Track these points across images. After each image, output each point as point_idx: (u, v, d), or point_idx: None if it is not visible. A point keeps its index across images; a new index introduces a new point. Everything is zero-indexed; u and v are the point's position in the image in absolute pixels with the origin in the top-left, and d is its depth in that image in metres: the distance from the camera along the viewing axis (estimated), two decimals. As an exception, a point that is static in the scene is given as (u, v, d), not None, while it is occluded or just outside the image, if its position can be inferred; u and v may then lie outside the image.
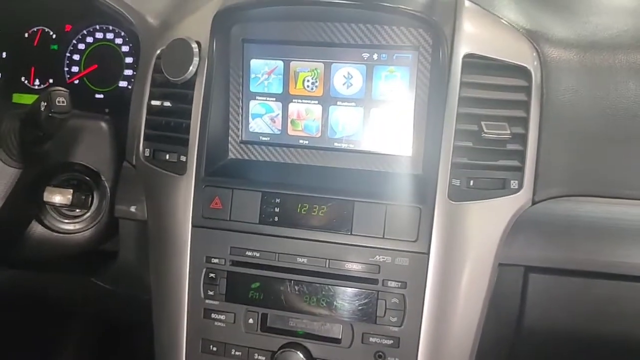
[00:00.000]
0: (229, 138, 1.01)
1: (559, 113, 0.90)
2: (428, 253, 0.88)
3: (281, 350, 0.91)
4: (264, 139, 1.01)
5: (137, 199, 1.02)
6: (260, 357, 0.93)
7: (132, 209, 1.02)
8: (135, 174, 1.03)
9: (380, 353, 0.90)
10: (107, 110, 1.19)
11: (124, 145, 1.06)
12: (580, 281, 0.91)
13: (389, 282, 0.89)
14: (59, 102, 0.83)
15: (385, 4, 0.89)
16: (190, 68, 0.96)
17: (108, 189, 1.03)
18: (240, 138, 1.01)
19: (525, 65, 0.89)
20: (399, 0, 0.89)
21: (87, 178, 1.02)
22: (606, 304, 0.92)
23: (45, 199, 0.94)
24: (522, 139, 0.88)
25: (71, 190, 0.95)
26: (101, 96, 1.24)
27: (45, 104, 0.83)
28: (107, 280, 1.12)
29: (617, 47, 0.91)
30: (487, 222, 0.89)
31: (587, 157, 0.91)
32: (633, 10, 1.01)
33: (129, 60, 1.22)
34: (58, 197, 0.94)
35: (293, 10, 0.95)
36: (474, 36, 0.90)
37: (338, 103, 0.97)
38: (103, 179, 1.03)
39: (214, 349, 0.95)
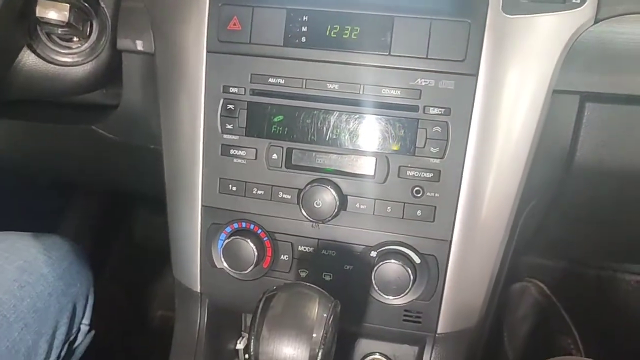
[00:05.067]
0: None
1: None
2: (477, 75, 0.78)
3: (310, 186, 0.82)
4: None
5: (143, 28, 0.90)
6: (285, 195, 0.85)
7: (137, 41, 0.91)
8: (140, 1, 0.91)
9: (419, 188, 0.82)
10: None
11: None
12: (641, 111, 0.82)
13: (431, 108, 0.79)
14: None
15: None
16: None
17: (109, 18, 0.90)
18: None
19: None
20: None
21: (84, 3, 0.90)
22: None
23: (38, 13, 0.82)
24: None
25: (68, 6, 0.82)
26: None
27: None
28: (110, 129, 1.01)
29: None
30: (545, 40, 0.78)
31: None
32: None
33: None
34: (53, 12, 0.81)
35: None
36: None
37: None
38: (102, 4, 0.90)
39: (234, 188, 0.87)
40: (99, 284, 1.05)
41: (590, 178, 0.88)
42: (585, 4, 0.78)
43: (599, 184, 0.91)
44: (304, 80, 0.82)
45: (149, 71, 0.92)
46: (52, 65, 0.91)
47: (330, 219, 0.83)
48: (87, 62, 0.92)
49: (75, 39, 0.91)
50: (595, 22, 0.79)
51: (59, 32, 0.88)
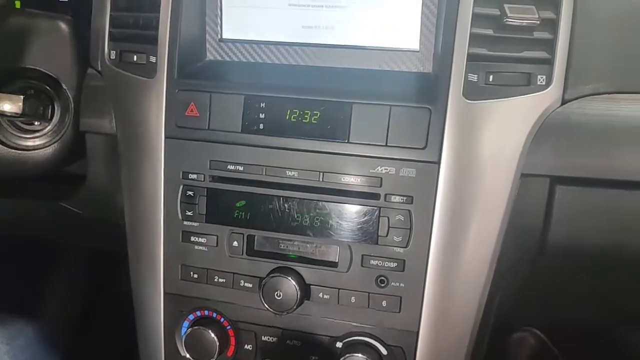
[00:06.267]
0: (207, 36, 0.87)
1: None
2: (439, 162, 0.75)
3: (270, 276, 0.79)
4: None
5: (105, 109, 0.89)
6: (247, 284, 0.82)
7: (100, 121, 0.89)
8: (101, 81, 0.90)
9: (383, 277, 0.78)
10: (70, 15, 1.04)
11: (88, 49, 0.92)
12: (614, 193, 0.78)
13: (393, 196, 0.77)
14: None
15: None
16: None
17: (71, 100, 0.89)
18: (219, 35, 0.87)
19: None
20: None
21: (47, 87, 0.89)
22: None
23: None
24: (553, 25, 0.74)
25: (22, 97, 0.81)
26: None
27: None
28: (77, 205, 1.00)
29: None
30: (509, 125, 0.75)
31: (632, 45, 0.76)
32: None
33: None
34: (7, 105, 0.80)
35: None
36: None
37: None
38: (64, 87, 0.89)
39: (195, 275, 0.84)
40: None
41: (565, 259, 0.85)
42: (551, 86, 0.75)
43: (574, 264, 0.87)
44: (264, 168, 0.80)
45: (113, 150, 0.90)
46: (14, 151, 0.90)
47: (292, 309, 0.80)
48: (51, 144, 0.91)
49: (37, 124, 0.90)
50: (563, 103, 0.76)
51: (20, 119, 0.87)
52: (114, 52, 0.87)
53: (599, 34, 0.76)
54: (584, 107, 0.76)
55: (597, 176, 0.77)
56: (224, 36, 0.87)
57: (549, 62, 0.75)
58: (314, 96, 0.78)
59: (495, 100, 0.74)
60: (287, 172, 0.79)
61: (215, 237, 0.83)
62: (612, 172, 0.76)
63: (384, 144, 0.76)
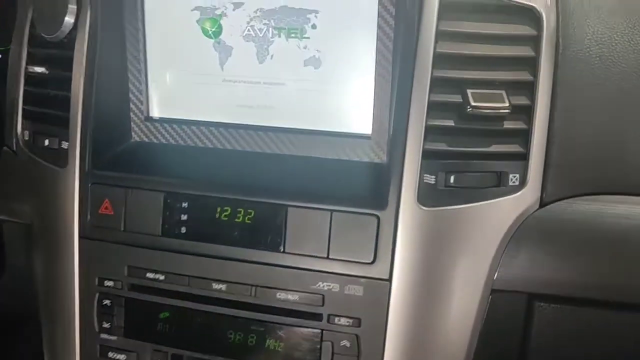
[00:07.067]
0: (131, 114, 0.75)
1: (581, 74, 0.62)
2: (390, 279, 0.62)
3: (197, 407, 0.67)
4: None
5: (21, 194, 0.78)
6: None
7: (13, 208, 0.78)
8: (16, 162, 0.79)
9: None
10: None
11: (2, 125, 0.81)
12: (603, 314, 0.65)
13: (337, 318, 0.64)
14: None
15: None
16: (66, 19, 0.70)
17: (-17, 183, 0.78)
18: (144, 114, 0.75)
19: (533, 4, 0.60)
20: None
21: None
22: (632, 342, 0.66)
23: None
24: (527, 113, 0.62)
25: None
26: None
27: None
28: None
29: None
30: (476, 235, 0.62)
31: (620, 137, 0.63)
32: None
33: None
34: None
35: None
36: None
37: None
38: (-26, 168, 0.78)
39: None
40: None
41: None
42: (527, 186, 0.62)
43: None
44: (187, 278, 0.68)
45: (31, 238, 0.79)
46: None
47: None
48: (-40, 234, 0.80)
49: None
50: (541, 206, 0.63)
51: None
52: (27, 132, 0.76)
53: (583, 123, 0.63)
54: (566, 209, 0.63)
55: (580, 295, 0.63)
56: (151, 114, 0.75)
57: (524, 157, 0.62)
58: (243, 196, 0.65)
59: (458, 206, 0.61)
60: (214, 284, 0.67)
61: (136, 354, 0.71)
62: (598, 291, 0.63)
63: (326, 256, 0.63)
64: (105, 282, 0.71)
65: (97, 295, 0.71)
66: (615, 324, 0.66)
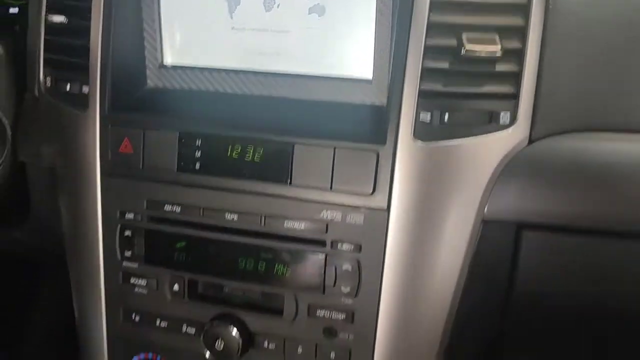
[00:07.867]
0: (146, 61, 0.80)
1: (570, 18, 0.66)
2: (388, 209, 0.68)
3: (212, 324, 0.74)
4: (189, 61, 0.79)
5: (44, 138, 0.83)
6: (189, 330, 0.77)
7: (37, 151, 0.84)
8: (39, 107, 0.84)
9: (331, 328, 0.73)
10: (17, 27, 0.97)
11: (24, 73, 0.85)
12: (586, 241, 0.70)
13: (340, 244, 0.70)
14: None
15: None
16: None
17: (8, 127, 0.84)
18: (159, 61, 0.80)
19: None
20: None
21: (-20, 114, 0.83)
22: (616, 269, 0.72)
23: None
24: (518, 56, 0.66)
25: None
26: (16, 10, 1.01)
27: None
28: (23, 233, 0.95)
29: None
30: (468, 168, 0.68)
31: (606, 77, 0.68)
32: None
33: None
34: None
35: None
36: None
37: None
38: (0, 114, 0.83)
39: (137, 319, 0.79)
40: None
41: (535, 313, 0.78)
42: (516, 124, 0.67)
43: (544, 317, 0.80)
44: (201, 210, 0.74)
45: (55, 180, 0.85)
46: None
47: (236, 358, 0.75)
48: (-12, 175, 0.85)
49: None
50: (530, 142, 0.68)
51: None
52: (49, 78, 0.81)
53: (571, 65, 0.67)
54: (552, 145, 0.68)
55: (566, 223, 0.69)
56: (165, 62, 0.80)
57: (514, 97, 0.67)
58: (253, 134, 0.71)
59: (452, 140, 0.67)
60: (227, 215, 0.73)
61: (155, 279, 0.77)
62: (583, 220, 0.68)
63: (329, 188, 0.69)
64: (126, 214, 0.77)
65: (118, 227, 0.77)
66: (600, 252, 0.71)
